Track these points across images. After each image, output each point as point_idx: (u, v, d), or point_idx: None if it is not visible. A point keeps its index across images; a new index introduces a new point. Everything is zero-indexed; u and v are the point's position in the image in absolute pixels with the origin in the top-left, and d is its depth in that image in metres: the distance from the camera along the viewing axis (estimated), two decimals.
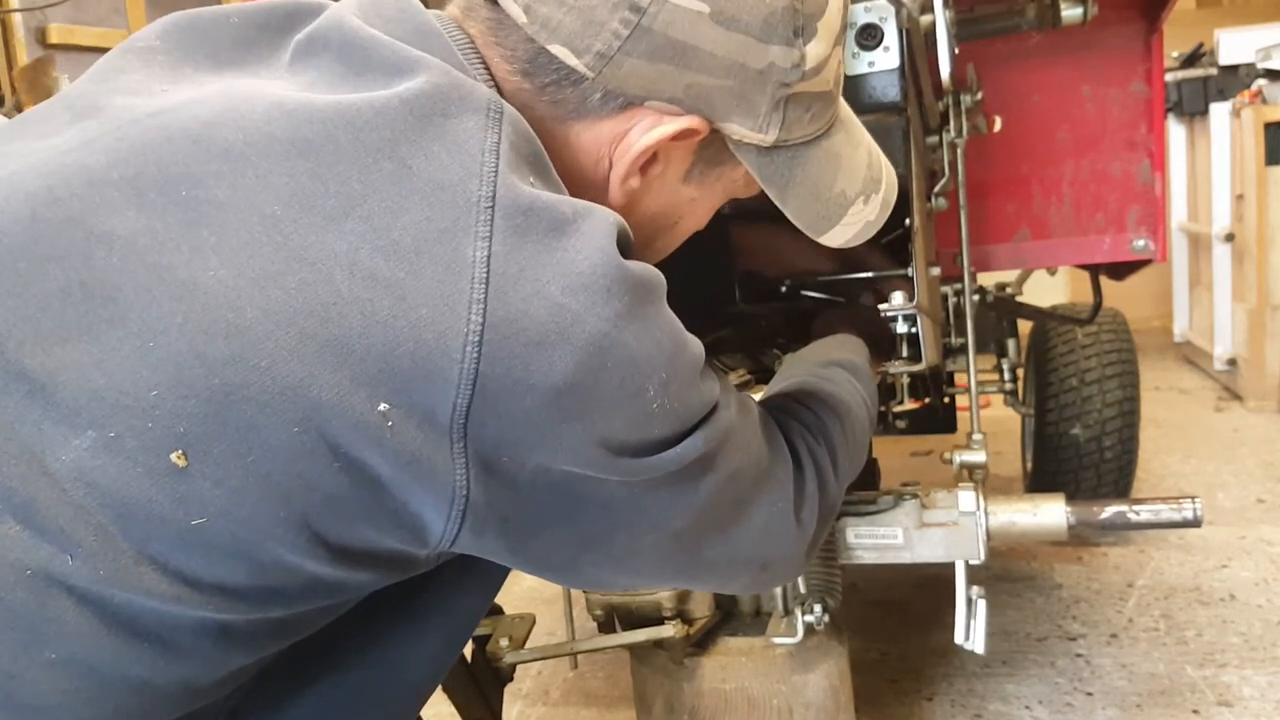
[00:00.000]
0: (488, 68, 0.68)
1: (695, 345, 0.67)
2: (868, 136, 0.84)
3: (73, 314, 0.56)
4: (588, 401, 0.59)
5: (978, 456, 1.20)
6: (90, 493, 0.55)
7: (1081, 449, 2.14)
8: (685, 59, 0.67)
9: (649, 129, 0.70)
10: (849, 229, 0.81)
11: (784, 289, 1.42)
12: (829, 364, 1.01)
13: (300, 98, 0.62)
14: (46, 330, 0.56)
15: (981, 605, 1.12)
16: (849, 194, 0.79)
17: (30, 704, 0.58)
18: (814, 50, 0.71)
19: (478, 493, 0.59)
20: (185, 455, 0.55)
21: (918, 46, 1.16)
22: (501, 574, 0.83)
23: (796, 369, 1.01)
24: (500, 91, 0.68)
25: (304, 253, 0.56)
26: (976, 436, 1.23)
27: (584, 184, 0.72)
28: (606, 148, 0.71)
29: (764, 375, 1.31)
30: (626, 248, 0.62)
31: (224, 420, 0.55)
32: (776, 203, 0.78)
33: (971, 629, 1.12)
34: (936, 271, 1.33)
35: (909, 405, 1.37)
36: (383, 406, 0.56)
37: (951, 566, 1.15)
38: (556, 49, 0.67)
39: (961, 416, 2.24)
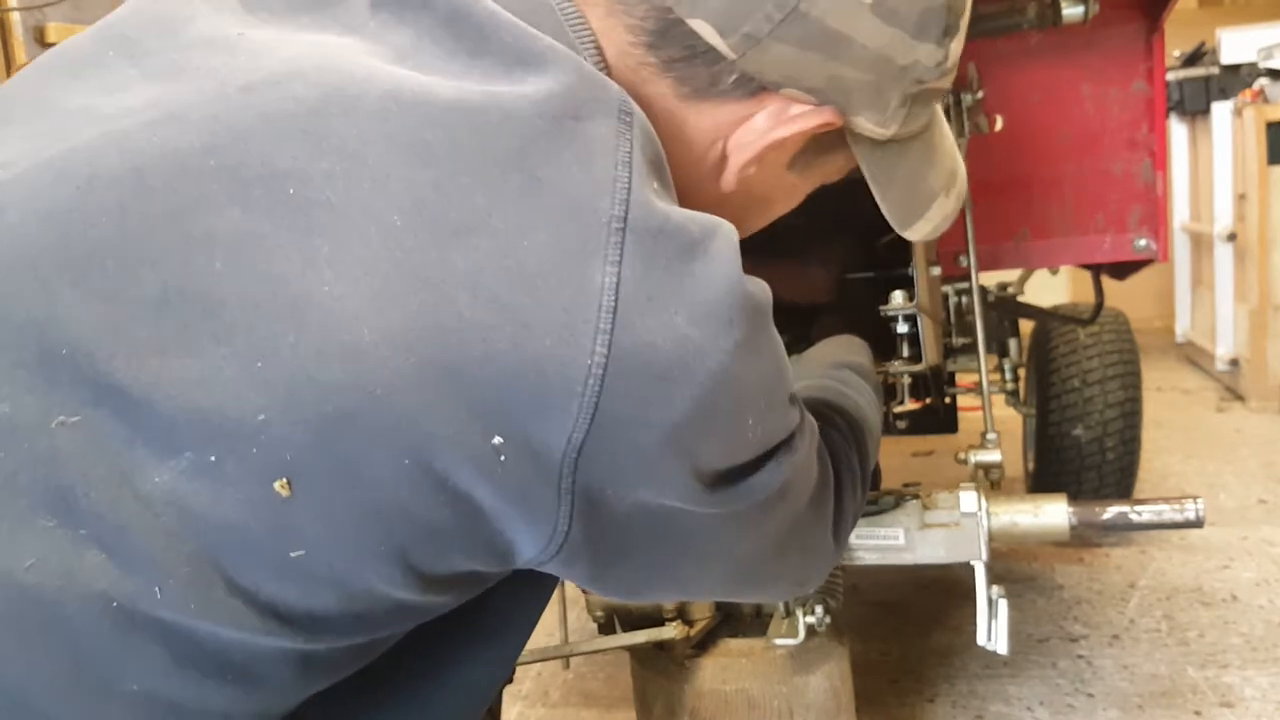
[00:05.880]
0: (597, 46, 0.63)
1: (789, 369, 0.64)
2: (948, 127, 0.81)
3: (170, 324, 0.51)
4: (697, 435, 0.56)
5: (993, 456, 1.20)
6: (184, 519, 0.51)
7: (1083, 449, 2.13)
8: (836, 49, 0.63)
9: (778, 117, 0.66)
10: (929, 223, 0.78)
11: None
12: (840, 367, 1.00)
13: (416, 88, 0.56)
14: (141, 341, 0.51)
15: (1003, 605, 1.11)
16: (935, 187, 0.76)
17: None
18: (955, 48, 0.67)
19: (578, 528, 0.56)
20: (289, 484, 0.51)
21: None
22: (554, 583, 0.80)
23: (809, 372, 1.01)
24: (609, 71, 0.63)
25: (425, 271, 0.51)
26: (991, 435, 1.23)
27: (690, 167, 0.68)
28: (725, 130, 0.67)
29: None
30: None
31: (332, 449, 0.51)
32: (876, 196, 0.74)
33: (993, 629, 1.11)
34: (937, 271, 1.33)
35: (910, 406, 1.36)
36: (497, 440, 0.52)
37: (953, 567, 1.15)
38: (698, 24, 0.62)
39: (964, 417, 2.24)
